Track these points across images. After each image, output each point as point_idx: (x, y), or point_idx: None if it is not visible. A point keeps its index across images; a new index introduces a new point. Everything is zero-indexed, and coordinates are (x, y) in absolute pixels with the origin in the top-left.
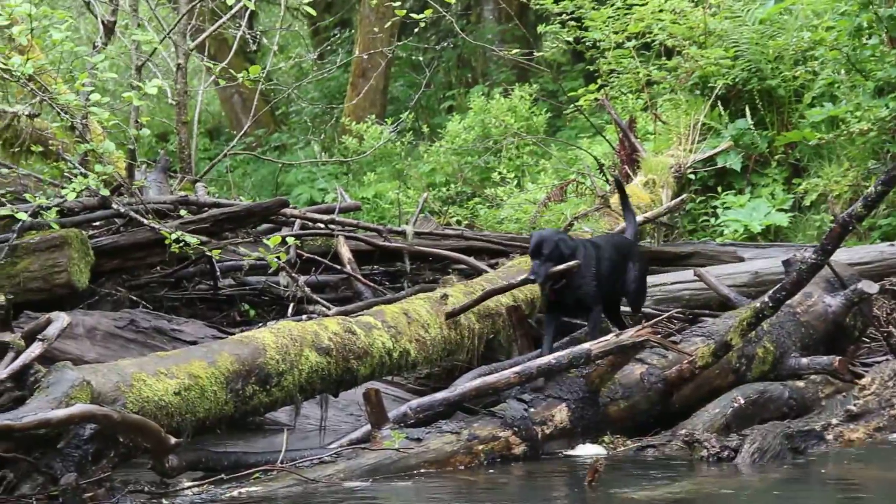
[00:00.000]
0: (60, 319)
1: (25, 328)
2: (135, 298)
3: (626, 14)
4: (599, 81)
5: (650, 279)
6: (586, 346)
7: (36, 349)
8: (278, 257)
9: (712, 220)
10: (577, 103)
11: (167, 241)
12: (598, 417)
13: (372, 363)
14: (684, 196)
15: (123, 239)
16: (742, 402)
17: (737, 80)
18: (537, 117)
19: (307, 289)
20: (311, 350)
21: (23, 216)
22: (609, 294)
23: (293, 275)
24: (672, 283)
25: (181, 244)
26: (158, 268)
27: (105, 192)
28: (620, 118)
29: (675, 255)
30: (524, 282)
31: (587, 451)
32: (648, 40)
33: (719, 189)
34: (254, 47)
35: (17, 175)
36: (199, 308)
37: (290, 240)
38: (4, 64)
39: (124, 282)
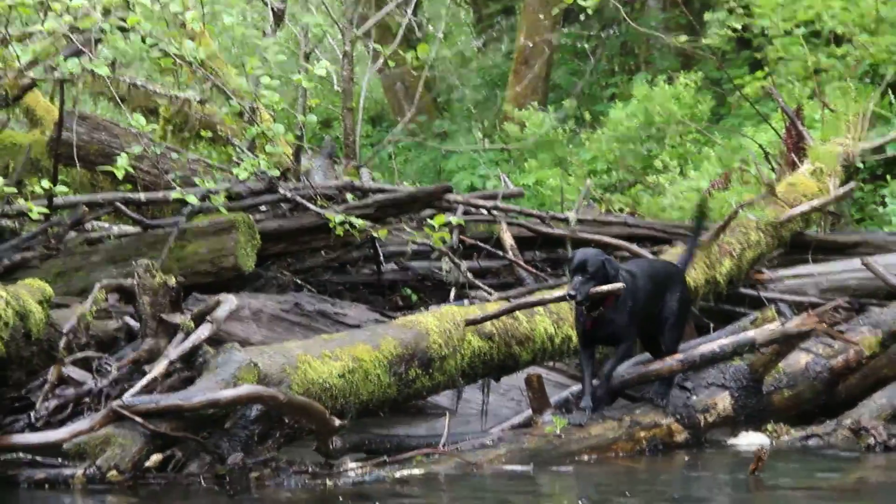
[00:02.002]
0: (229, 302)
1: (195, 310)
2: (299, 282)
3: (795, 1)
4: (766, 69)
5: (816, 268)
6: (751, 333)
7: (205, 331)
8: (443, 239)
9: (880, 209)
10: (742, 91)
11: (332, 226)
12: (762, 406)
13: (534, 348)
14: (852, 184)
15: (289, 223)
16: None
17: None
18: (701, 105)
19: (469, 274)
20: (474, 335)
21: (192, 200)
22: (643, 327)
23: (455, 260)
24: (839, 272)
25: (347, 227)
26: (323, 252)
27: (275, 173)
28: (787, 106)
29: (843, 244)
30: (559, 299)
31: (750, 439)
32: (818, 27)
33: (888, 178)
34: (418, 34)
35: (187, 160)
36: (363, 292)
37: (454, 220)
38: (177, 50)
39: (289, 265)
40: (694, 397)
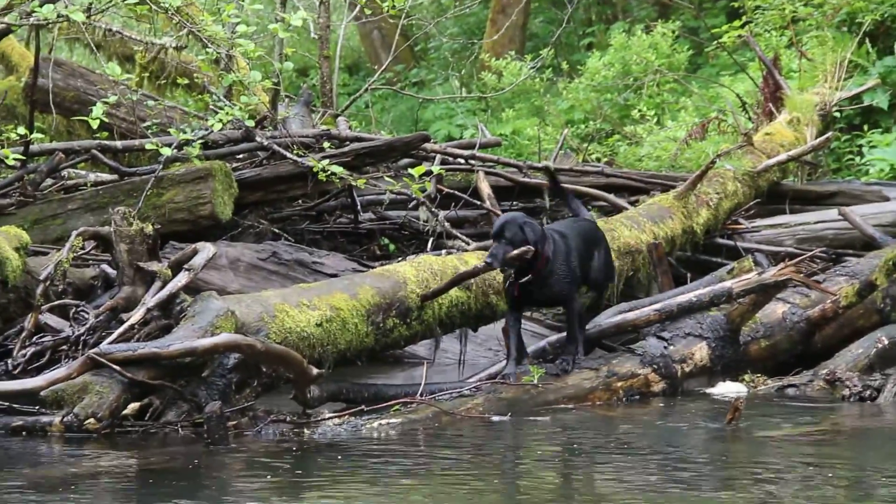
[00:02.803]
0: (206, 250)
1: (172, 258)
2: (277, 231)
3: None
4: (744, 18)
5: (793, 218)
6: (728, 284)
7: (182, 279)
8: (423, 187)
9: (857, 159)
10: (719, 40)
11: (315, 171)
12: (739, 356)
13: None
14: (829, 134)
15: (266, 172)
16: (886, 342)
17: (885, 15)
18: (679, 54)
19: (447, 223)
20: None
21: (166, 152)
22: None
23: (433, 209)
24: (815, 223)
25: (328, 174)
26: (300, 201)
27: (250, 123)
28: (764, 55)
29: (819, 195)
30: (486, 268)
31: (727, 389)
32: None
33: (865, 127)
34: None
35: (163, 107)
36: (340, 241)
37: (436, 169)
38: None
39: (266, 214)
40: (671, 347)
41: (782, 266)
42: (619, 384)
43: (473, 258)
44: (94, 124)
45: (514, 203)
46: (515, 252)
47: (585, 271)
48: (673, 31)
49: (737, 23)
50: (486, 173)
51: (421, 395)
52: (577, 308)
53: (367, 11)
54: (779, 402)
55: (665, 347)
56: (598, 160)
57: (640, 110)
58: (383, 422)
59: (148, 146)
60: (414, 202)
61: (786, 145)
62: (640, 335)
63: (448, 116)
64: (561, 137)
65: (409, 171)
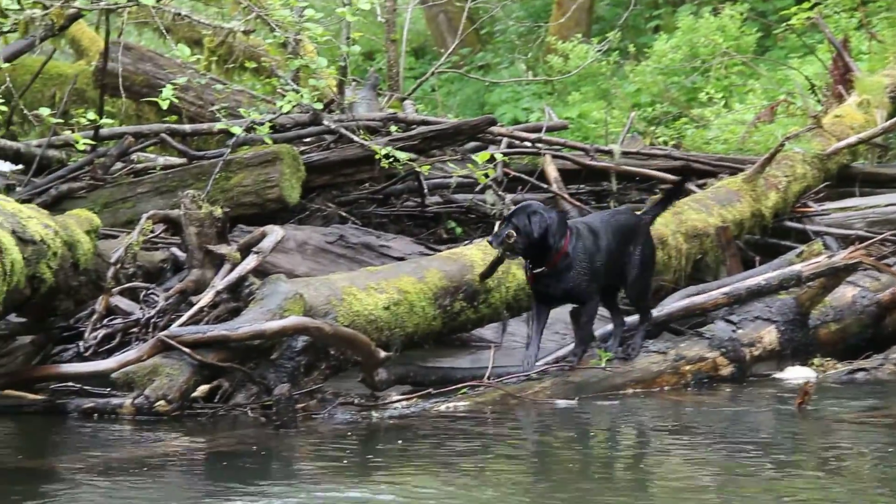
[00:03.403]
0: (275, 233)
1: (240, 241)
2: (344, 214)
3: None
4: (813, 0)
5: (863, 201)
6: (797, 267)
7: (251, 262)
8: (486, 174)
9: None
10: (788, 22)
11: (377, 157)
12: (808, 340)
13: None
14: None
15: (334, 155)
16: None
17: None
18: (747, 36)
19: (513, 206)
20: (519, 267)
21: (237, 131)
22: (607, 284)
23: (500, 192)
24: (886, 205)
25: (391, 160)
26: (367, 184)
27: (318, 106)
28: (834, 37)
29: (890, 177)
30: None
31: (796, 373)
32: None
33: None
34: None
35: (231, 91)
36: (406, 225)
37: (499, 156)
38: None
39: (334, 198)
40: (740, 331)
41: (852, 249)
42: (687, 368)
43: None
44: (165, 105)
45: (581, 186)
46: (512, 239)
47: (618, 270)
48: (741, 14)
49: (806, 4)
50: (553, 156)
51: (488, 378)
52: (593, 310)
53: None
54: (849, 386)
55: (733, 331)
56: (666, 143)
57: (707, 93)
58: (451, 405)
59: (218, 127)
60: (481, 185)
61: (855, 128)
62: (709, 319)
63: (514, 100)
64: (628, 121)
65: (475, 155)
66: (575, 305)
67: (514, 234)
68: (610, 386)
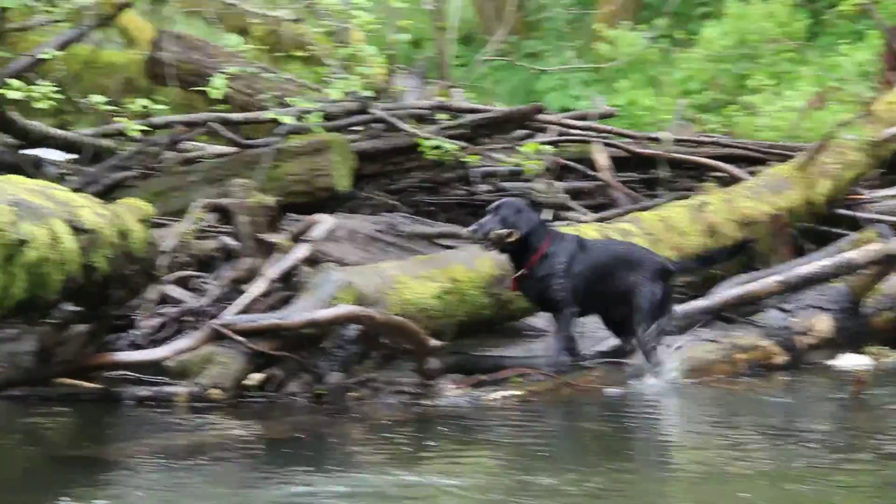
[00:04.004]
0: (325, 222)
1: (291, 230)
2: (393, 203)
3: None
4: None
5: None
6: (851, 254)
7: (303, 250)
8: (535, 163)
9: None
10: (838, 8)
11: (422, 149)
12: (862, 328)
13: None
14: None
15: (383, 143)
16: None
17: None
18: (796, 23)
19: (563, 195)
20: None
21: (288, 120)
22: (600, 305)
23: (550, 181)
24: None
25: (437, 151)
26: (416, 172)
27: (367, 94)
28: (885, 23)
29: None
30: (469, 236)
31: (850, 361)
32: None
33: None
34: None
35: (280, 80)
36: (456, 213)
37: (548, 148)
38: None
39: (383, 186)
40: (793, 319)
41: None
42: (740, 356)
43: (590, 230)
44: (217, 94)
45: (631, 174)
46: (498, 231)
47: (612, 291)
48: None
49: None
50: (603, 144)
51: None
52: (565, 321)
53: None
54: None
55: (786, 319)
56: (715, 131)
57: (757, 80)
58: (502, 393)
59: (269, 116)
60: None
61: None
62: (761, 307)
63: (562, 87)
64: (677, 108)
65: (524, 143)
66: None
67: (506, 230)
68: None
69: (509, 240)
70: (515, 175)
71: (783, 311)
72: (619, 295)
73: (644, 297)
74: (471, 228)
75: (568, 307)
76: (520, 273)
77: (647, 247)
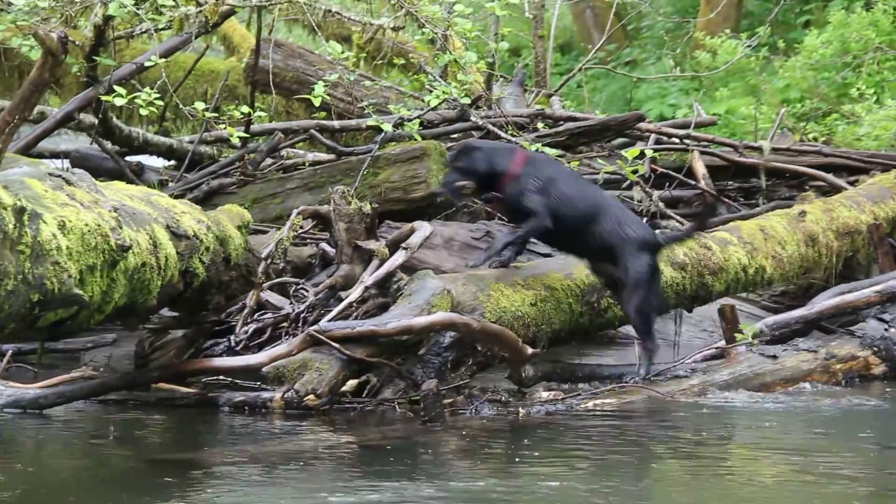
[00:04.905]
0: (423, 229)
1: (389, 237)
2: (489, 210)
3: None
4: None
5: None
6: None
7: (400, 257)
8: (635, 170)
9: None
10: None
11: None
12: None
13: (727, 279)
14: None
15: None
16: None
17: None
18: None
19: (661, 203)
20: (667, 264)
21: (387, 127)
22: (581, 248)
23: (647, 189)
24: None
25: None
26: None
27: (466, 101)
28: None
29: None
30: (437, 196)
31: None
32: None
33: None
34: None
35: (380, 87)
36: None
37: (648, 152)
38: None
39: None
40: (892, 330)
41: None
42: (838, 366)
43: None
44: (317, 101)
45: (729, 183)
46: (459, 184)
47: (573, 234)
48: (894, 8)
49: None
50: (701, 153)
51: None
52: (534, 225)
53: None
54: None
55: (886, 330)
56: (815, 139)
57: (858, 89)
58: (598, 402)
59: (368, 123)
60: (628, 182)
61: None
62: (860, 317)
63: (661, 96)
64: (777, 117)
65: (625, 151)
66: (725, 302)
67: (465, 183)
68: (759, 384)
69: (467, 191)
70: (613, 182)
71: (883, 321)
72: (600, 249)
73: (630, 272)
74: (436, 190)
75: (538, 217)
76: (494, 196)
77: (744, 254)
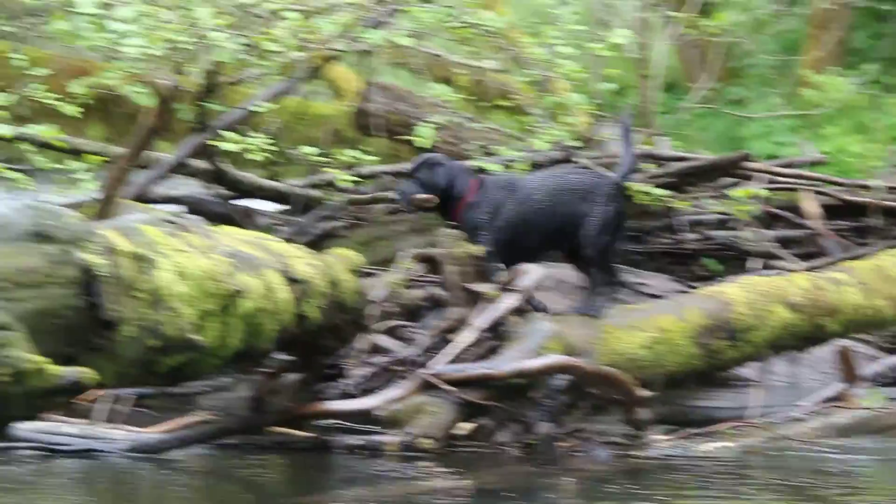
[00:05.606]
0: (534, 272)
1: (499, 280)
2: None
3: None
4: None
5: None
6: None
7: (512, 300)
8: (746, 210)
9: None
10: None
11: (631, 192)
12: None
13: (842, 320)
14: None
15: None
16: None
17: None
18: None
19: (773, 243)
20: (780, 305)
21: (495, 168)
22: (557, 242)
23: (758, 229)
24: None
25: (649, 196)
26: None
27: (574, 143)
28: None
29: None
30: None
31: None
32: None
33: None
34: None
35: (486, 129)
36: (661, 262)
37: (762, 192)
38: (479, 20)
39: None
40: None
41: None
42: None
43: (801, 278)
44: (427, 144)
45: (841, 222)
46: (419, 196)
47: (566, 232)
48: None
49: None
50: (813, 192)
51: (753, 418)
52: (489, 271)
53: (686, 30)
54: None
55: None
56: None
57: None
58: (714, 445)
59: (475, 164)
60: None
61: None
62: None
63: (766, 134)
64: (889, 155)
65: (735, 190)
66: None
67: (429, 197)
68: (880, 427)
69: (428, 204)
70: (723, 224)
71: None
72: (574, 228)
73: (593, 221)
74: (395, 196)
75: (492, 260)
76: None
77: (860, 295)
